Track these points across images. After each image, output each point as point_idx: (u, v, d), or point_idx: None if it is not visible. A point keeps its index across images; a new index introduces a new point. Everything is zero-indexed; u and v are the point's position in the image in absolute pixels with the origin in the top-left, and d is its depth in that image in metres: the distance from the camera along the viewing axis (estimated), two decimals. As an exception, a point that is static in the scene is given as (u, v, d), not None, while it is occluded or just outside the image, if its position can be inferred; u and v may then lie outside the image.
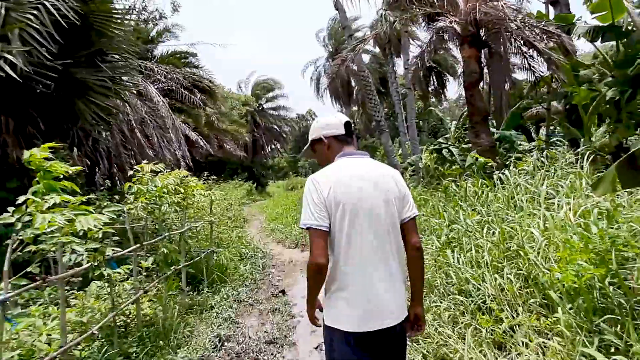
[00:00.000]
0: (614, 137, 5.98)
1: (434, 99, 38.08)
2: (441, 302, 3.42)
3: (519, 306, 2.78)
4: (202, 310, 5.00)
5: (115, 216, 3.69)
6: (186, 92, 16.81)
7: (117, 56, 6.10)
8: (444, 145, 14.17)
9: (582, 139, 6.52)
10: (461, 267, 3.37)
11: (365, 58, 32.67)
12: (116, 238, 3.97)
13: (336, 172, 1.80)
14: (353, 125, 2.06)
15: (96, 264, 3.08)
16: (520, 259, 3.03)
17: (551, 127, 9.23)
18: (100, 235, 2.86)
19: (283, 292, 5.97)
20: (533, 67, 6.69)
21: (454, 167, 6.64)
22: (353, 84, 34.75)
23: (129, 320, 4.07)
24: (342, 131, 1.94)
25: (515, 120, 8.89)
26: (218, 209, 9.14)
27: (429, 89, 34.34)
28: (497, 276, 2.93)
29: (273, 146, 42.30)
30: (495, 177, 4.72)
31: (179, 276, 5.13)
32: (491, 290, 2.88)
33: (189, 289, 5.50)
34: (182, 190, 5.05)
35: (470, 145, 13.46)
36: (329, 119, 2.00)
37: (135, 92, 9.57)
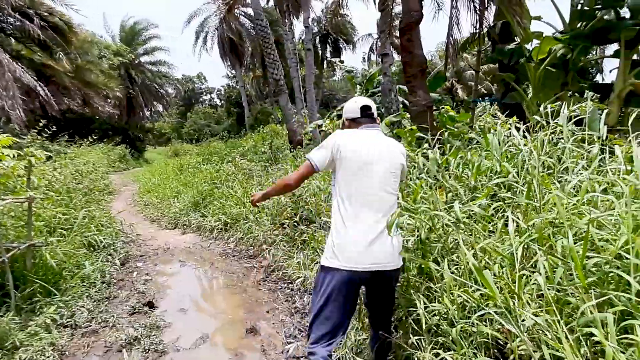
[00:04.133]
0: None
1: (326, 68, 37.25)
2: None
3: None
4: (-4, 354, 2.91)
5: None
6: (31, 24, 12.86)
7: None
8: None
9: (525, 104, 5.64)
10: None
11: (260, 15, 30.10)
12: None
13: (353, 134, 2.26)
14: (371, 108, 2.35)
15: None
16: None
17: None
18: None
19: (150, 304, 4.04)
20: (480, 11, 5.59)
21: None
22: (247, 43, 32.00)
23: None
24: (357, 115, 2.33)
25: (438, 81, 7.91)
26: (62, 178, 6.59)
27: (325, 55, 33.33)
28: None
29: (154, 108, 37.64)
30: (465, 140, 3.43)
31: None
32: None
33: (-17, 313, 3.30)
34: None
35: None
36: (348, 104, 2.40)
37: None
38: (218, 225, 6.77)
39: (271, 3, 23.81)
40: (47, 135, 7.49)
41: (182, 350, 3.18)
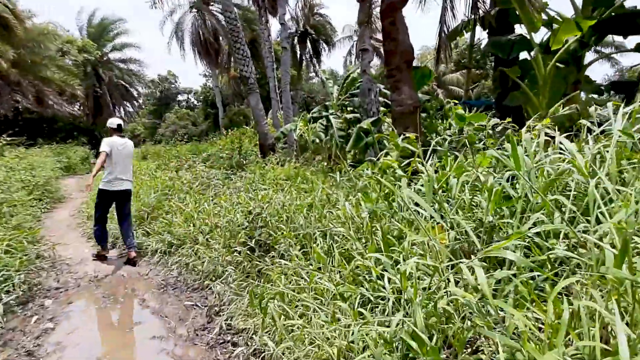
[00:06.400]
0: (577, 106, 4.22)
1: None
2: None
3: None
4: None
5: None
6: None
7: None
8: (324, 114, 11.99)
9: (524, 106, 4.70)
10: None
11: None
12: None
13: (111, 139, 5.63)
14: (121, 125, 5.91)
15: None
16: None
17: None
18: None
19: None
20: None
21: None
22: (223, 41, 30.72)
23: None
24: (115, 126, 5.77)
25: (423, 79, 6.94)
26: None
27: (304, 56, 32.28)
28: None
29: (128, 108, 35.77)
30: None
31: None
32: None
33: None
34: None
35: (355, 115, 11.59)
36: (112, 120, 5.86)
37: None
38: (161, 247, 5.61)
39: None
40: None
41: None
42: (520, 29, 5.51)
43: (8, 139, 12.23)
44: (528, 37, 4.79)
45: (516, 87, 5.14)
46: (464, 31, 5.98)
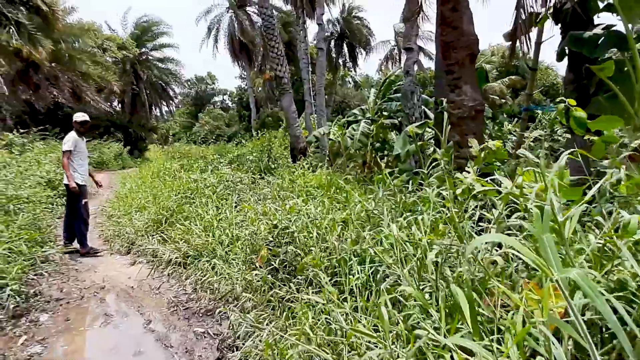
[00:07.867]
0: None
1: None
2: None
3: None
4: None
5: None
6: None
7: None
8: (360, 118, 11.29)
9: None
10: None
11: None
12: None
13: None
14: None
15: None
16: None
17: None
18: None
19: None
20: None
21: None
22: (258, 44, 30.55)
23: None
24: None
25: (480, 82, 6.13)
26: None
27: (340, 60, 31.66)
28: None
29: (165, 107, 36.14)
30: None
31: None
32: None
33: None
34: None
35: (392, 120, 10.82)
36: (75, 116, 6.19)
37: None
38: (177, 257, 5.04)
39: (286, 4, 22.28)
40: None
41: None
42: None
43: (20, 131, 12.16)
44: (621, 30, 3.96)
45: (596, 92, 4.30)
46: (531, 27, 5.16)
